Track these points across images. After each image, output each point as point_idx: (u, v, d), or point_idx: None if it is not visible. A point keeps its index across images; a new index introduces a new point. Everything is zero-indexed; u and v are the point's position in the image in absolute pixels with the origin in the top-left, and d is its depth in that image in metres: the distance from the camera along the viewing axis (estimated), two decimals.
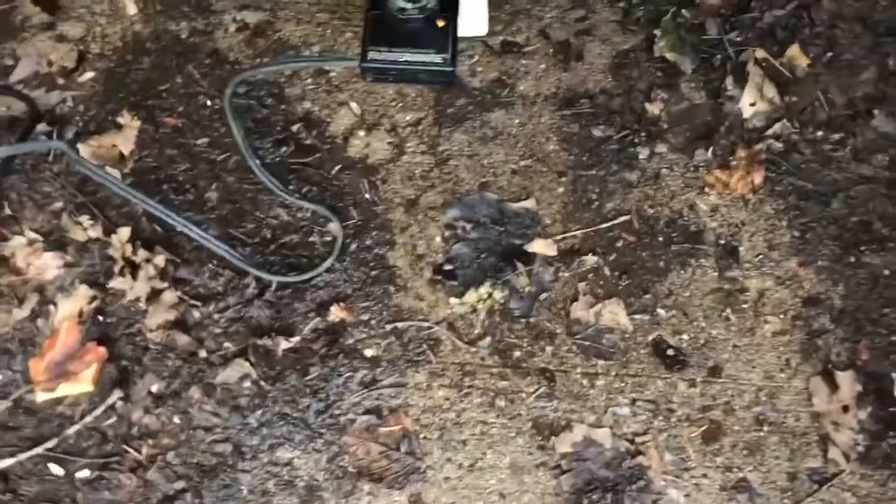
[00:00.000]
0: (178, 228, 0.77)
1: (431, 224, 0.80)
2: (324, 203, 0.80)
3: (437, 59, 0.66)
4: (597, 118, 0.82)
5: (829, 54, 0.82)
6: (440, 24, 0.67)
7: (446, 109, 0.83)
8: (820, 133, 0.80)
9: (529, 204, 0.79)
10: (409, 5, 0.66)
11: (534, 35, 0.86)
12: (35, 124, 0.83)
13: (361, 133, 0.83)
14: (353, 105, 0.84)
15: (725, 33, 0.83)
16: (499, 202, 0.80)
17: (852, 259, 0.76)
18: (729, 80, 0.82)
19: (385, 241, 0.79)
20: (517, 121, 0.83)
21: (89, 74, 0.86)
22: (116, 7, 0.89)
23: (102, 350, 0.74)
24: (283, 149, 0.83)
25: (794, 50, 0.82)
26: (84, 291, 0.77)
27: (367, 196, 0.81)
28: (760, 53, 0.81)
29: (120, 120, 0.84)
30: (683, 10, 0.85)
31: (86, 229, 0.79)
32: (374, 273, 0.78)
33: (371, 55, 0.66)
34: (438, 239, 0.79)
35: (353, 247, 0.79)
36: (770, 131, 0.79)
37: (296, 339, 0.74)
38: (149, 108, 0.85)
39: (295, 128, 0.84)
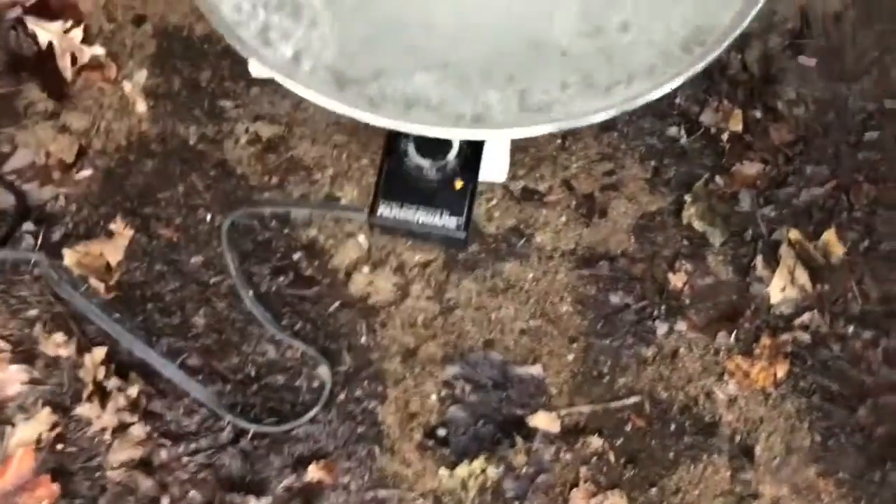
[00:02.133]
0: (151, 363, 0.71)
1: (429, 379, 0.74)
2: (316, 343, 0.75)
3: (451, 222, 0.62)
4: (616, 283, 0.77)
5: (867, 242, 0.78)
6: (458, 185, 0.62)
7: (458, 254, 0.78)
8: (851, 328, 0.75)
9: (536, 370, 0.74)
10: (427, 163, 0.61)
11: (557, 184, 0.81)
12: (22, 221, 0.79)
13: (366, 269, 0.78)
14: (361, 238, 0.79)
15: (759, 207, 0.79)
16: (503, 364, 0.74)
17: (877, 476, 0.70)
18: (759, 259, 0.77)
19: (376, 394, 0.73)
20: (531, 275, 0.78)
21: (87, 172, 0.82)
22: (126, 102, 0.84)
23: (55, 488, 0.68)
24: (281, 278, 0.78)
25: (829, 234, 0.77)
26: (47, 415, 0.71)
27: (364, 340, 0.76)
28: (794, 234, 0.77)
29: (112, 226, 0.79)
30: (717, 177, 0.80)
31: (58, 345, 0.73)
32: (360, 430, 0.72)
33: (381, 210, 0.61)
34: (434, 398, 0.73)
35: (342, 397, 0.73)
36: (798, 321, 0.74)
37: (267, 498, 0.68)
38: (144, 217, 0.80)
39: (296, 256, 0.79)
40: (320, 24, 0.57)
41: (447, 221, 0.63)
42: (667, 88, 0.52)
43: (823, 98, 0.85)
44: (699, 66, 0.53)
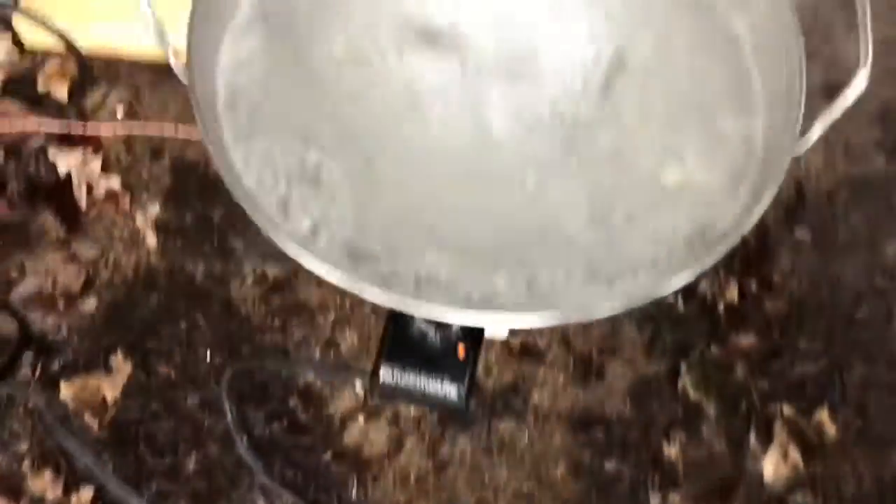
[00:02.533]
0: None
1: None
2: (306, 494, 0.74)
3: (453, 392, 0.62)
4: (611, 449, 0.77)
5: (859, 423, 0.79)
6: (461, 353, 0.63)
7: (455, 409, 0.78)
8: None
9: None
10: (431, 329, 0.62)
11: (556, 341, 0.82)
12: (22, 351, 0.79)
13: (361, 419, 0.78)
14: (358, 385, 0.79)
15: (753, 380, 0.80)
16: None
17: None
18: (753, 434, 0.77)
19: None
20: (527, 436, 0.78)
21: (92, 303, 0.82)
22: (137, 236, 0.86)
23: None
24: (275, 424, 0.77)
25: (822, 414, 0.78)
26: None
27: (354, 494, 0.75)
28: (788, 410, 0.78)
29: (112, 361, 0.79)
30: (712, 346, 0.81)
31: (45, 483, 0.72)
32: None
33: (383, 375, 0.62)
34: None
35: None
36: (791, 499, 0.74)
37: None
38: (145, 352, 0.80)
39: (292, 402, 0.79)
40: (340, 199, 0.59)
41: (448, 390, 0.64)
42: (670, 287, 0.54)
43: (817, 273, 0.87)
44: (707, 264, 0.55)
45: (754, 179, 0.60)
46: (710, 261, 0.55)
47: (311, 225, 0.59)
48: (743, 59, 0.67)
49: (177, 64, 0.59)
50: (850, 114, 0.92)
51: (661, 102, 0.65)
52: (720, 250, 0.56)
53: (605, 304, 0.55)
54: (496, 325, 0.60)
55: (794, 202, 0.91)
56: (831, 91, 0.63)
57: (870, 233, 0.90)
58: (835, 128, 0.95)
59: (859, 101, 0.92)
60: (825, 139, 0.89)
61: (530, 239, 0.59)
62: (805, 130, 0.58)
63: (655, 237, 0.59)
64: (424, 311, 0.54)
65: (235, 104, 0.63)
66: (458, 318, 0.53)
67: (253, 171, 0.60)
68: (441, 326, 0.64)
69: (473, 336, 0.65)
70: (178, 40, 0.59)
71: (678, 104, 0.65)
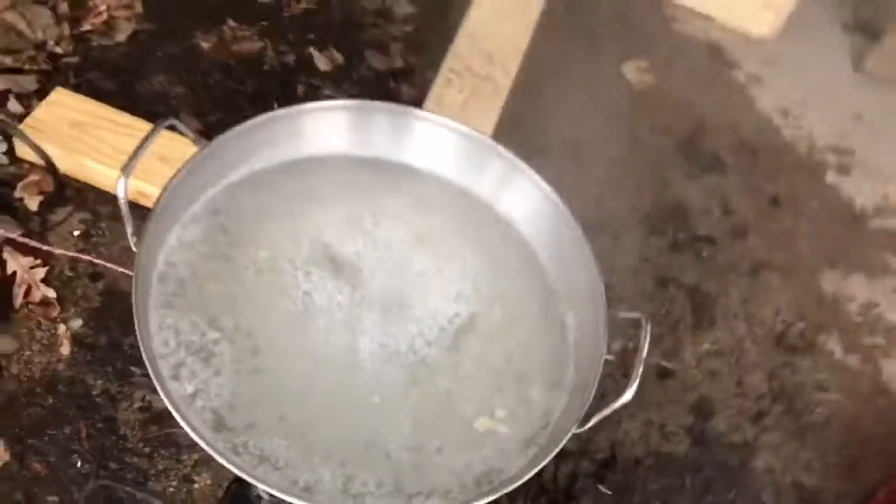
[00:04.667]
0: None
1: None
2: None
3: None
4: None
5: None
6: None
7: None
8: None
9: None
10: (266, 497, 0.77)
11: None
12: None
13: None
14: None
15: None
16: None
17: None
18: None
19: None
20: None
21: None
22: (54, 342, 0.99)
23: None
24: None
25: None
26: None
27: None
28: None
29: None
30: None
31: None
32: None
33: None
34: None
35: None
36: None
37: None
38: (26, 448, 0.92)
39: None
40: (222, 375, 0.75)
41: None
42: None
43: None
44: (482, 502, 0.71)
45: (541, 444, 0.78)
46: (487, 501, 0.71)
47: (192, 391, 0.74)
48: (567, 349, 0.87)
49: (132, 238, 0.76)
50: (671, 399, 1.14)
51: (493, 364, 0.83)
52: (500, 492, 0.72)
53: None
54: None
55: (606, 460, 1.10)
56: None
57: (661, 500, 1.08)
58: (658, 408, 1.16)
59: (681, 390, 1.14)
60: (646, 415, 1.10)
61: (358, 447, 0.75)
62: (586, 419, 0.76)
63: (454, 471, 0.76)
64: (258, 484, 0.69)
65: (167, 278, 0.80)
66: (282, 496, 0.68)
67: (162, 334, 0.76)
68: (275, 497, 0.79)
69: None
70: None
71: (506, 369, 0.83)
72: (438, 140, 0.92)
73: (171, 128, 0.79)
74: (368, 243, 0.87)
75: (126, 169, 0.74)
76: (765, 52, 1.74)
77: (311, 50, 1.42)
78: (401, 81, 1.43)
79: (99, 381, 0.98)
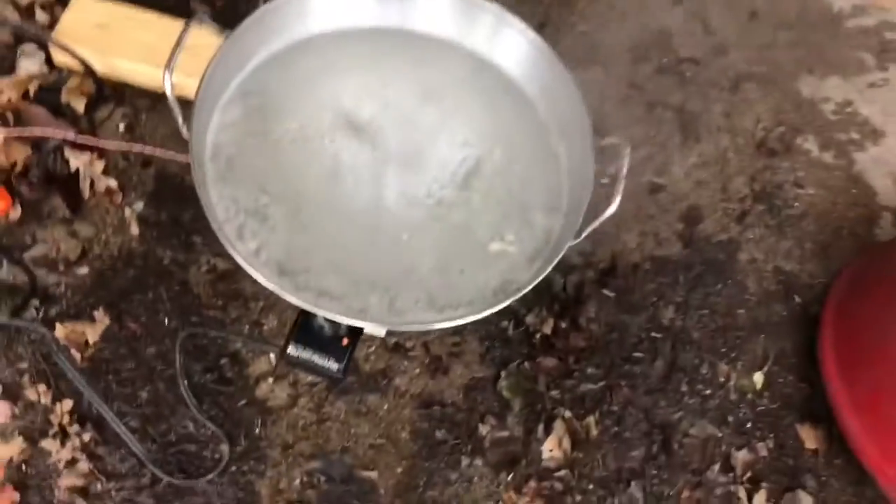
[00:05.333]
0: (104, 418, 1.01)
1: (296, 468, 1.06)
2: (223, 427, 1.06)
3: (335, 366, 0.95)
4: (442, 423, 1.11)
5: (616, 429, 1.14)
6: (345, 342, 0.96)
7: (338, 382, 1.11)
8: (591, 486, 1.10)
9: (373, 475, 1.06)
10: (326, 324, 0.95)
11: (419, 345, 1.16)
12: (31, 298, 1.08)
13: (270, 380, 1.10)
14: (272, 356, 1.11)
15: (548, 390, 1.15)
16: (351, 467, 1.07)
17: None
18: (540, 427, 1.12)
19: (258, 471, 1.05)
20: (386, 406, 1.11)
21: (84, 269, 1.12)
22: (124, 224, 1.16)
23: (16, 495, 0.96)
24: (209, 375, 1.09)
25: (591, 419, 1.13)
26: (20, 442, 0.99)
27: (257, 431, 1.07)
28: (567, 414, 1.13)
29: (95, 314, 1.09)
30: (525, 363, 1.16)
31: (38, 393, 1.02)
32: (240, 495, 1.03)
33: (290, 349, 0.94)
34: (298, 481, 1.05)
35: (233, 468, 1.04)
36: (557, 474, 1.09)
37: None
38: (120, 311, 1.11)
39: (222, 361, 1.10)
40: (278, 231, 0.91)
41: (332, 365, 0.96)
42: (473, 318, 0.88)
43: (613, 322, 1.22)
44: (499, 307, 0.89)
45: (545, 257, 0.94)
46: (502, 305, 0.89)
47: (255, 247, 0.90)
48: (561, 177, 1.01)
49: (182, 126, 0.90)
50: (663, 210, 1.29)
51: (499, 197, 0.99)
52: (512, 298, 0.90)
53: (434, 324, 0.89)
54: (367, 327, 0.93)
55: (608, 268, 1.27)
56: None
57: (656, 298, 1.26)
58: (652, 218, 1.31)
59: (672, 202, 1.29)
60: (641, 227, 1.25)
61: (396, 275, 0.92)
62: (580, 232, 0.92)
63: (475, 286, 0.93)
64: (322, 312, 0.86)
65: (217, 156, 0.94)
66: (342, 319, 0.86)
67: (223, 203, 0.91)
68: (332, 323, 0.97)
69: (353, 332, 0.98)
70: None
71: (510, 200, 0.99)
72: (431, 3, 1.03)
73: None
74: (382, 105, 1.00)
75: (168, 67, 0.86)
76: None
77: None
78: None
79: (168, 252, 1.15)
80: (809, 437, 1.17)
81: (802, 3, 1.62)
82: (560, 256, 0.90)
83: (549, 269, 0.89)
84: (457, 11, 1.03)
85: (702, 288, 1.27)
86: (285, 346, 0.96)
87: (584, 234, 0.91)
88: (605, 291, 1.23)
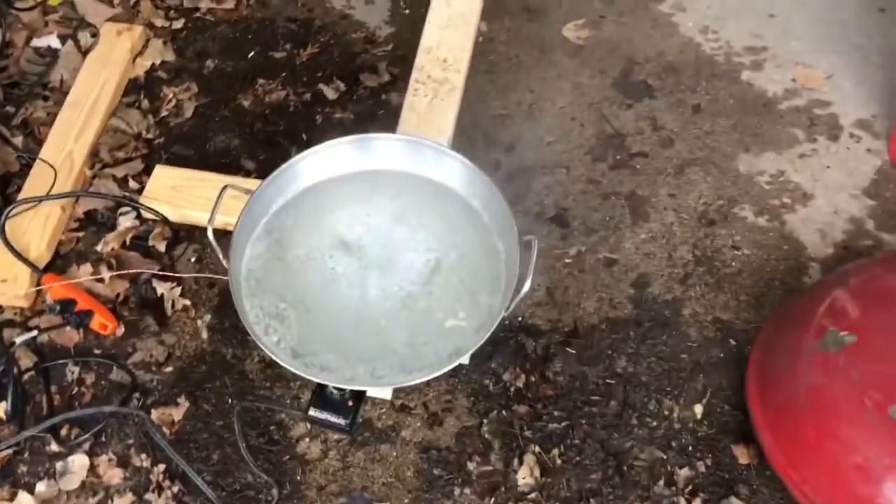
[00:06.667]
0: (189, 476, 1.40)
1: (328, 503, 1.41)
2: (273, 476, 1.43)
3: (343, 422, 1.31)
4: (438, 463, 1.44)
5: (577, 458, 1.45)
6: (350, 403, 1.32)
7: (358, 437, 1.47)
8: None
9: None
10: (336, 392, 1.32)
11: (420, 404, 1.50)
12: (133, 392, 1.50)
13: (307, 439, 1.47)
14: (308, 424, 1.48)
15: (522, 431, 1.47)
16: (370, 500, 1.41)
17: None
18: (516, 460, 1.44)
19: None
20: (395, 453, 1.45)
21: (170, 368, 1.53)
22: (196, 332, 1.57)
23: None
24: (261, 439, 1.46)
25: (556, 451, 1.44)
26: (130, 496, 1.39)
27: (298, 478, 1.43)
28: (537, 449, 1.44)
29: (178, 400, 1.50)
30: (503, 411, 1.48)
31: (141, 460, 1.42)
32: None
33: (311, 412, 1.31)
34: None
35: None
36: (529, 496, 1.40)
37: None
38: (196, 396, 1.50)
39: (271, 427, 1.48)
40: (292, 327, 1.30)
41: (341, 421, 1.32)
42: (434, 376, 1.23)
43: (574, 373, 1.54)
44: (451, 366, 1.24)
45: (488, 329, 1.29)
46: (454, 364, 1.23)
47: (277, 339, 1.29)
48: (500, 266, 1.37)
49: (223, 259, 1.31)
50: (617, 280, 1.61)
51: (454, 286, 1.34)
52: (461, 357, 1.24)
53: (405, 383, 1.25)
54: (370, 390, 1.29)
55: (570, 331, 1.59)
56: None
57: (611, 351, 1.57)
58: (607, 287, 1.63)
59: (624, 272, 1.61)
60: (598, 295, 1.57)
61: (377, 350, 1.28)
62: (509, 306, 1.26)
63: (435, 353, 1.28)
64: (325, 381, 1.23)
65: (249, 277, 1.35)
66: (338, 385, 1.23)
67: (254, 311, 1.31)
68: (339, 390, 1.34)
69: (356, 395, 1.34)
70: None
71: (462, 287, 1.34)
72: (395, 149, 1.42)
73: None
74: (366, 228, 1.39)
75: (210, 221, 1.28)
76: None
77: (321, 86, 1.93)
78: (389, 91, 1.93)
79: (230, 350, 1.55)
80: (742, 455, 1.44)
81: (740, 92, 1.94)
82: (497, 324, 1.24)
83: (488, 335, 1.24)
84: (414, 151, 1.42)
85: (650, 340, 1.57)
86: (307, 410, 1.33)
87: (511, 307, 1.26)
88: (569, 349, 1.55)
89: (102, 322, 1.48)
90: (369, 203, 1.40)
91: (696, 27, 2.04)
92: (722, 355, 1.53)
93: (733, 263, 1.65)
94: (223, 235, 1.30)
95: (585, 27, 2.03)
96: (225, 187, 1.31)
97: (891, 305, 1.34)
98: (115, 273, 1.55)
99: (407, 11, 2.06)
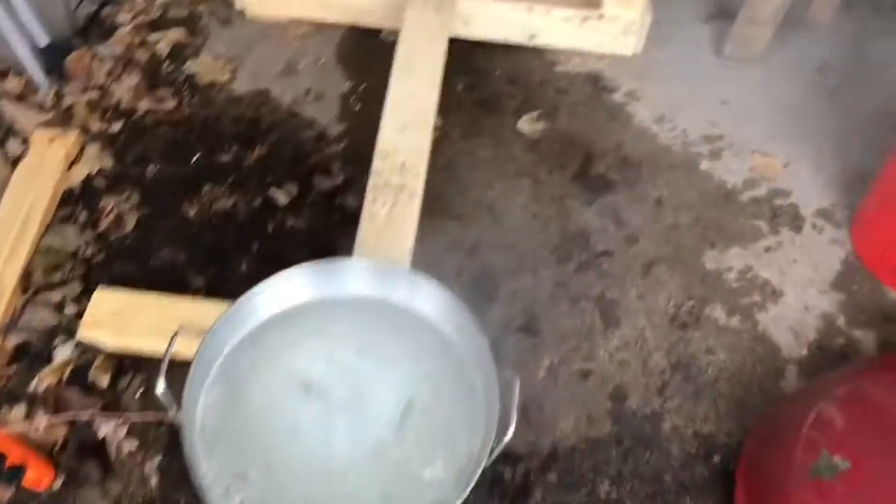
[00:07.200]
0: None
1: None
2: None
3: None
4: None
5: None
6: None
7: None
8: None
9: None
10: None
11: None
12: None
13: None
14: None
15: None
16: None
17: None
18: None
19: None
20: None
21: None
22: (144, 476, 1.44)
23: None
24: None
25: None
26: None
27: None
28: None
29: None
30: None
31: None
32: None
33: None
34: None
35: None
36: None
37: None
38: None
39: None
40: (255, 485, 1.18)
41: None
42: None
43: (556, 501, 1.45)
44: None
45: (467, 476, 1.20)
46: None
47: (239, 500, 1.18)
48: (478, 402, 1.28)
49: (174, 415, 1.19)
50: (593, 393, 1.53)
51: (429, 429, 1.25)
52: None
53: None
54: None
55: (549, 455, 1.51)
56: None
57: (593, 475, 1.49)
58: (584, 402, 1.56)
59: (599, 384, 1.53)
60: (575, 411, 1.49)
61: None
62: (491, 455, 1.17)
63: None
64: None
65: (204, 430, 1.23)
66: None
67: (212, 471, 1.19)
68: None
69: None
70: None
71: (439, 432, 1.25)
72: (359, 274, 1.33)
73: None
74: (328, 364, 1.29)
75: (160, 374, 1.16)
76: (636, 67, 2.09)
77: (272, 190, 1.83)
78: (345, 194, 1.84)
79: (182, 497, 1.42)
80: None
81: (700, 184, 1.91)
82: (477, 478, 1.15)
83: (469, 488, 1.14)
84: (379, 276, 1.33)
85: (632, 460, 1.49)
86: None
87: (493, 456, 1.17)
88: (549, 475, 1.47)
89: (36, 478, 1.34)
90: (330, 335, 1.30)
91: (651, 117, 2.02)
92: (706, 473, 1.47)
93: (709, 370, 1.60)
94: (176, 365, 1.18)
95: (540, 119, 1.99)
96: (175, 333, 1.20)
97: (879, 426, 1.30)
98: (52, 419, 1.41)
99: (358, 107, 1.99)
